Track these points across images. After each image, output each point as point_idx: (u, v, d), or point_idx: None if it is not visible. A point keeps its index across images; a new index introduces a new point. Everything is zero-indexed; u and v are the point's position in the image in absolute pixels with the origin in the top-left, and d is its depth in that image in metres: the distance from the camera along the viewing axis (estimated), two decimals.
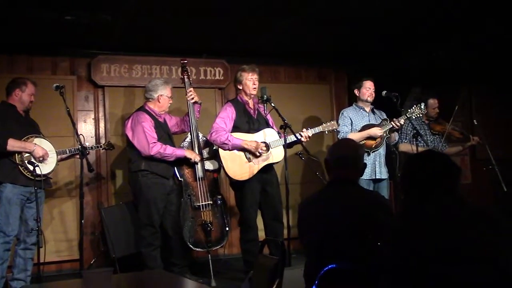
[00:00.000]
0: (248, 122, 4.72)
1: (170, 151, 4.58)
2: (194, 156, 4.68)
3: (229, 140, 4.55)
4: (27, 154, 4.19)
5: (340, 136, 5.07)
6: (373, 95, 5.15)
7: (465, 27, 5.25)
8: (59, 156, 4.44)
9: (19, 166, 4.17)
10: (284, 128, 4.37)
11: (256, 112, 4.80)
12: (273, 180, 4.74)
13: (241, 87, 4.76)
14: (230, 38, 5.48)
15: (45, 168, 4.23)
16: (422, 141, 5.12)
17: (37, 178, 4.11)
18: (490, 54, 5.96)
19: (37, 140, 4.30)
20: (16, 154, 4.17)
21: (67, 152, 4.52)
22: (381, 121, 5.08)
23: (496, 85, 7.02)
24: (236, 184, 4.71)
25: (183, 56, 5.14)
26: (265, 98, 4.51)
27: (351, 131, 5.08)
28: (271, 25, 5.11)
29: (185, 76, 4.90)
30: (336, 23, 5.11)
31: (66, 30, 4.85)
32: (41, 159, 4.22)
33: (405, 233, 1.96)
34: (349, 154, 2.63)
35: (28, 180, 4.18)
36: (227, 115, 4.68)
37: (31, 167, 4.14)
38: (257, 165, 4.62)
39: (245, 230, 4.70)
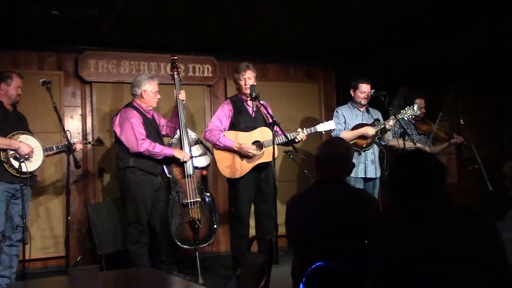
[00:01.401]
0: (245, 120, 4.72)
1: (159, 150, 4.56)
2: (183, 156, 4.67)
3: (220, 142, 4.60)
4: (12, 151, 4.14)
5: (334, 133, 5.11)
6: (368, 98, 5.17)
7: (452, 28, 5.29)
8: (45, 153, 4.39)
9: (4, 164, 4.11)
10: (272, 126, 4.38)
11: (255, 110, 4.79)
12: (269, 179, 4.72)
13: (237, 86, 4.80)
14: (219, 35, 5.46)
15: (30, 166, 4.17)
16: (410, 140, 5.16)
17: (22, 176, 4.06)
18: (477, 54, 6.01)
19: (22, 137, 4.23)
20: (1, 151, 4.11)
21: (54, 149, 4.47)
22: (373, 121, 5.11)
23: (482, 85, 7.09)
24: (231, 180, 4.72)
25: (171, 52, 5.11)
26: (253, 96, 4.52)
27: (344, 129, 5.11)
28: (260, 23, 5.11)
29: (175, 73, 4.89)
30: (324, 22, 5.12)
31: (53, 25, 4.79)
32: (26, 156, 4.16)
33: (391, 231, 1.97)
34: (341, 154, 2.64)
35: (13, 177, 4.13)
36: (224, 113, 4.72)
37: (16, 163, 4.10)
38: (250, 164, 4.63)
39: (237, 226, 4.70)
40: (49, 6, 4.34)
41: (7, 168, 4.12)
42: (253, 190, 4.68)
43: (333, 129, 5.14)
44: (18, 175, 4.10)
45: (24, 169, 4.07)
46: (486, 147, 6.57)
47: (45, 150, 4.38)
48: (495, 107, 7.42)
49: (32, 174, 4.23)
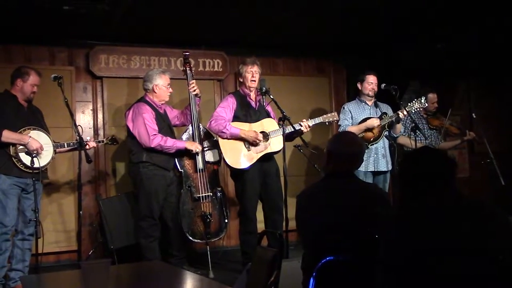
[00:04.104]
0: (248, 113, 4.73)
1: (171, 143, 4.58)
2: (195, 147, 4.68)
3: (227, 129, 4.58)
4: (21, 147, 4.13)
5: (341, 129, 5.10)
6: (375, 89, 5.15)
7: (463, 20, 5.23)
8: (56, 149, 4.38)
9: (13, 158, 4.12)
10: (283, 120, 4.38)
11: (258, 104, 4.80)
12: (273, 172, 4.76)
13: (242, 80, 4.79)
14: (229, 29, 5.45)
15: (39, 161, 4.15)
16: (421, 134, 5.13)
17: (34, 171, 4.08)
18: (489, 47, 5.95)
19: (33, 133, 4.22)
20: (11, 146, 4.12)
21: (65, 146, 4.45)
22: (381, 115, 5.08)
23: (494, 78, 7.01)
24: (236, 175, 4.73)
25: (182, 47, 5.12)
26: (263, 90, 4.52)
27: (351, 125, 5.09)
28: (270, 17, 5.09)
29: (187, 68, 4.89)
30: (334, 15, 5.09)
31: (64, 20, 4.82)
32: (35, 152, 4.15)
33: (402, 226, 1.97)
34: (354, 151, 2.65)
35: (22, 171, 4.14)
36: (228, 104, 4.71)
37: (26, 158, 4.10)
38: (256, 154, 4.63)
39: (244, 222, 4.72)
40: (59, 1, 4.36)
41: (16, 162, 4.12)
42: (259, 184, 4.68)
43: (340, 125, 5.13)
44: (27, 170, 4.12)
45: (36, 164, 4.09)
46: (499, 141, 6.51)
47: (56, 146, 4.37)
48: (508, 100, 7.34)
49: (39, 170, 4.20)
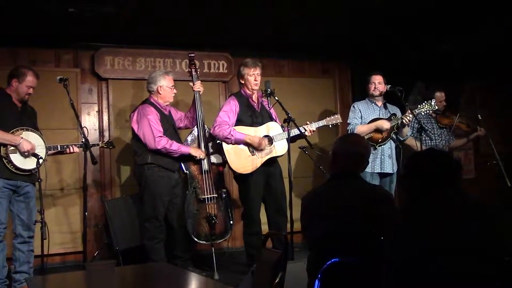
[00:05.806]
0: (251, 115, 4.71)
1: (176, 147, 4.58)
2: (199, 153, 4.68)
3: (231, 135, 4.56)
4: (12, 148, 4.07)
5: (350, 128, 5.08)
6: (379, 89, 5.11)
7: (469, 21, 5.22)
8: (49, 151, 4.32)
9: (3, 159, 4.05)
10: (288, 122, 4.37)
11: (260, 105, 4.79)
12: (277, 174, 4.75)
13: (243, 82, 4.76)
14: (234, 31, 5.46)
15: (30, 163, 4.09)
16: (427, 136, 5.10)
17: (26, 172, 4.06)
18: (495, 48, 5.93)
19: (25, 134, 4.15)
20: (2, 147, 4.05)
21: (58, 148, 4.38)
22: (390, 116, 5.06)
23: (500, 79, 6.98)
24: (240, 177, 4.72)
25: (186, 49, 5.12)
26: (268, 92, 4.50)
27: (360, 124, 5.08)
28: (274, 19, 5.09)
29: (193, 70, 4.90)
30: (339, 16, 5.09)
31: (69, 22, 4.83)
32: (26, 153, 4.08)
33: (407, 226, 1.97)
34: (359, 152, 2.66)
35: (12, 173, 4.08)
36: (231, 108, 4.68)
37: (19, 159, 4.05)
38: (260, 158, 4.63)
39: (248, 224, 4.71)
40: (65, 3, 4.38)
41: (6, 164, 4.06)
42: (262, 186, 4.67)
43: (349, 123, 5.12)
44: (18, 172, 4.08)
45: (41, 162, 4.07)
46: (504, 142, 6.48)
47: (49, 148, 4.31)
48: None
49: (31, 172, 4.15)
